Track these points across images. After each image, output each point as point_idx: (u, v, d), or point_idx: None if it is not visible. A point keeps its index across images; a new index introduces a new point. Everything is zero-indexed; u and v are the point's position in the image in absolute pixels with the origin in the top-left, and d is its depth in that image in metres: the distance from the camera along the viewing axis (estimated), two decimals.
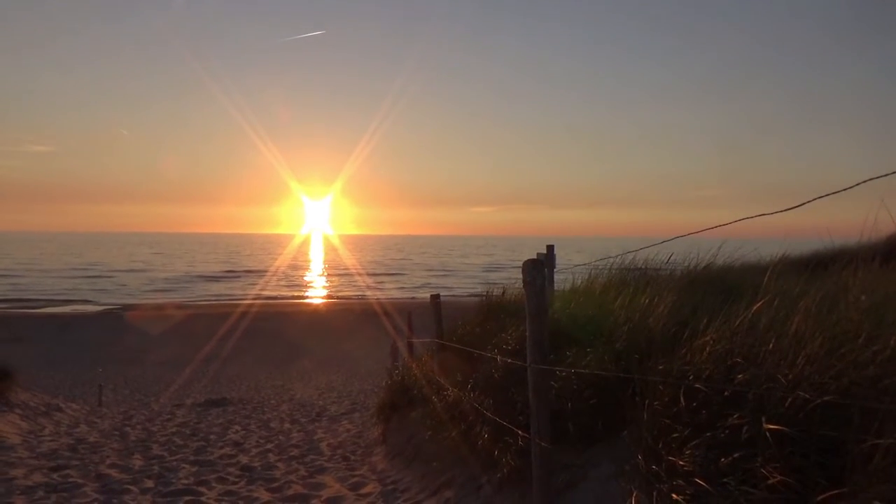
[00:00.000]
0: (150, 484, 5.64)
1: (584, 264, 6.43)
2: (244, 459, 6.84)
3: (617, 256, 5.67)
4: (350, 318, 37.68)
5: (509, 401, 4.52)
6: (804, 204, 2.03)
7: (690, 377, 2.66)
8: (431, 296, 7.35)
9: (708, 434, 2.39)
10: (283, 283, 71.77)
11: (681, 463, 2.40)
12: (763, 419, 2.22)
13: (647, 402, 2.83)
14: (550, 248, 6.62)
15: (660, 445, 2.57)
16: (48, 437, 8.06)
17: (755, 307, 2.83)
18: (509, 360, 4.75)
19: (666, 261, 6.38)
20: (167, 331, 33.27)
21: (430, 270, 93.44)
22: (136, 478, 5.85)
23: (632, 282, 5.66)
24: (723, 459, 2.27)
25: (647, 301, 4.21)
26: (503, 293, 8.19)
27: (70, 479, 5.69)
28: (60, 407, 10.91)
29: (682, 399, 2.58)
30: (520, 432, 3.86)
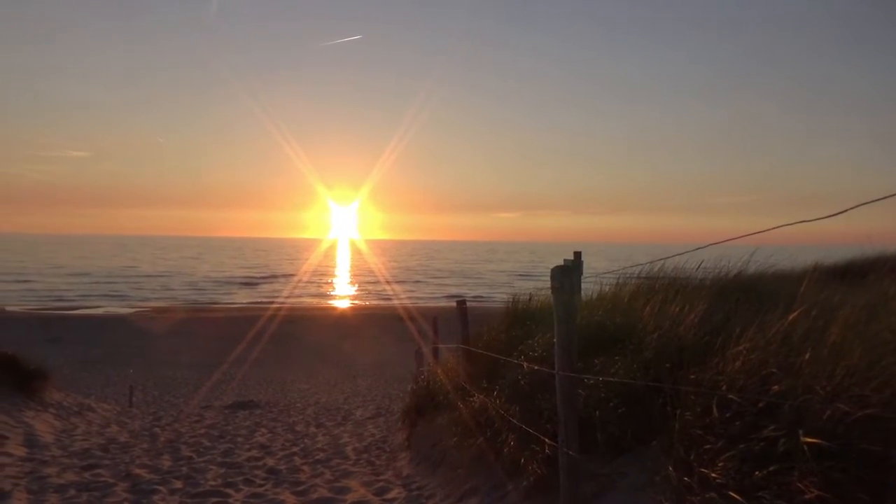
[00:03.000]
0: (178, 485, 5.70)
1: (612, 272, 6.34)
2: (270, 462, 6.89)
3: (647, 264, 5.59)
4: (375, 323, 37.82)
5: (536, 408, 4.48)
6: (845, 211, 1.97)
7: (723, 387, 2.61)
8: (457, 301, 7.33)
9: (742, 446, 2.33)
10: (309, 287, 72.35)
11: (713, 475, 2.35)
12: (800, 432, 2.16)
13: (678, 412, 2.78)
14: (577, 254, 6.56)
15: (692, 457, 2.51)
16: (80, 436, 8.20)
17: (791, 316, 2.76)
18: (536, 367, 4.71)
19: (696, 268, 6.28)
20: (196, 333, 33.76)
21: (455, 276, 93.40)
22: (165, 478, 5.92)
23: (661, 289, 5.58)
24: (757, 472, 2.21)
25: (677, 309, 4.14)
26: (529, 299, 8.13)
27: (101, 479, 5.78)
28: (92, 407, 11.11)
29: (715, 410, 2.52)
30: (547, 440, 3.82)
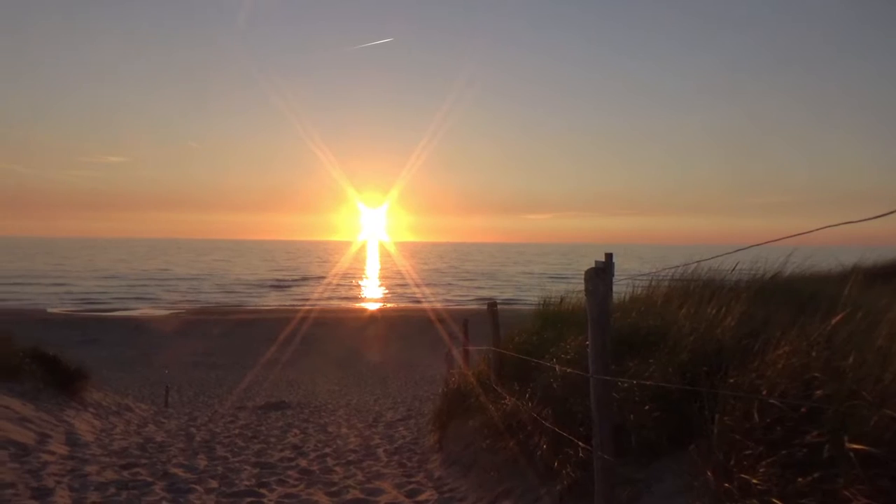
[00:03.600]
0: (214, 484, 5.79)
1: (647, 274, 6.27)
2: (303, 463, 6.95)
3: (686, 265, 5.49)
4: (405, 325, 37.94)
5: (569, 411, 4.44)
6: (894, 213, 1.91)
7: (764, 392, 2.55)
8: (488, 304, 7.30)
9: (784, 452, 2.28)
10: (339, 289, 72.92)
11: (754, 481, 2.30)
12: (845, 438, 2.10)
13: (716, 416, 2.73)
14: (609, 255, 6.48)
15: (731, 462, 2.46)
16: (119, 435, 8.38)
17: (835, 319, 2.69)
18: (568, 370, 4.67)
19: (731, 270, 6.17)
20: (229, 335, 34.27)
21: (484, 278, 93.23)
22: (201, 478, 6.02)
23: (696, 291, 5.50)
24: (801, 479, 2.16)
25: (713, 311, 4.07)
26: (560, 301, 8.08)
27: (139, 477, 5.90)
28: (130, 407, 11.35)
29: (755, 414, 2.47)
30: (580, 444, 3.78)
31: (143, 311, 49.06)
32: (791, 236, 2.43)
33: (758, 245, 2.72)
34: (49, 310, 47.37)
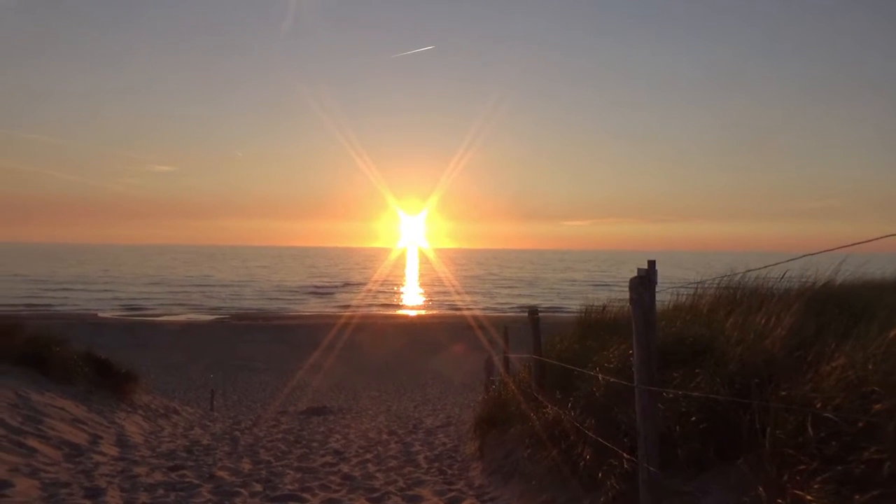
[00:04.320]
0: (258, 488, 5.88)
1: (693, 283, 6.14)
2: (345, 468, 7.01)
3: (733, 275, 5.37)
4: (444, 332, 37.97)
5: (612, 421, 4.38)
6: None
7: (818, 405, 2.47)
8: (529, 311, 7.26)
9: (840, 468, 2.21)
10: (379, 296, 73.45)
11: (808, 498, 2.23)
12: None
13: (768, 429, 2.66)
14: (651, 263, 6.39)
15: (784, 477, 2.40)
16: (167, 438, 8.59)
17: (894, 331, 2.59)
18: (612, 379, 4.61)
19: (779, 278, 6.01)
20: (271, 340, 34.85)
21: (524, 285, 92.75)
22: (246, 481, 6.12)
23: (743, 300, 5.37)
24: (858, 496, 2.09)
25: (762, 321, 3.97)
26: (603, 309, 7.98)
27: (187, 479, 6.04)
28: (177, 410, 11.63)
29: (809, 428, 2.40)
30: (625, 455, 3.73)
31: (189, 316, 50.26)
32: (849, 245, 2.36)
33: (813, 254, 2.65)
34: (100, 314, 48.98)
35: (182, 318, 48.71)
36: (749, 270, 5.27)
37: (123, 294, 67.45)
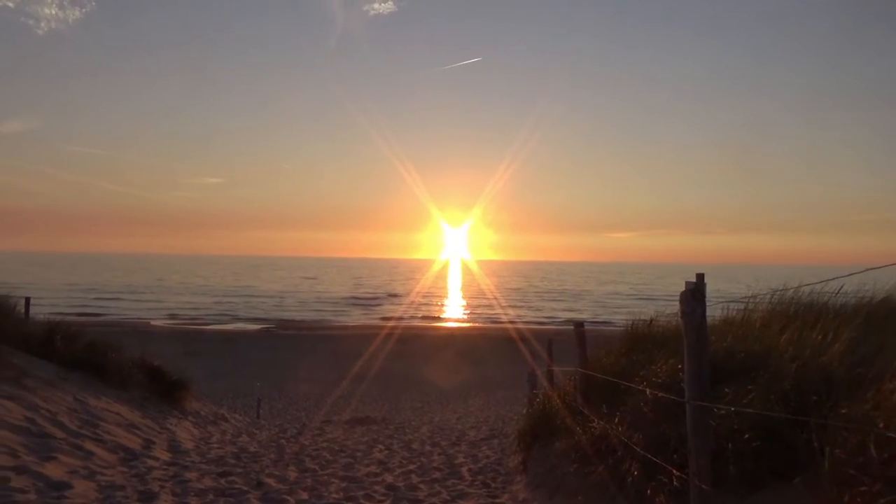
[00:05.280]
0: (304, 496, 5.96)
1: (749, 296, 5.98)
2: (389, 478, 7.04)
3: (790, 288, 5.22)
4: (487, 344, 37.84)
5: (661, 437, 4.30)
6: None
7: (881, 424, 2.39)
8: (575, 324, 7.20)
9: None
10: (422, 307, 73.72)
11: None
12: None
13: (827, 449, 2.57)
14: (700, 276, 6.26)
15: (845, 498, 2.32)
16: (216, 444, 8.78)
17: None
18: (661, 394, 4.53)
19: (835, 292, 5.82)
20: (316, 350, 35.30)
21: (567, 297, 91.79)
22: (293, 489, 6.21)
23: (798, 315, 5.21)
24: None
25: (819, 337, 3.85)
26: (650, 323, 7.84)
27: (235, 486, 6.16)
28: (225, 417, 11.88)
29: (871, 448, 2.32)
30: (675, 471, 3.65)
31: (236, 325, 51.36)
32: None
33: (875, 268, 2.57)
34: (152, 322, 50.47)
35: (230, 326, 49.81)
36: (805, 284, 5.12)
37: (174, 303, 69.40)
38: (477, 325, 55.90)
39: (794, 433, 3.09)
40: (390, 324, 49.21)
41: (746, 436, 3.49)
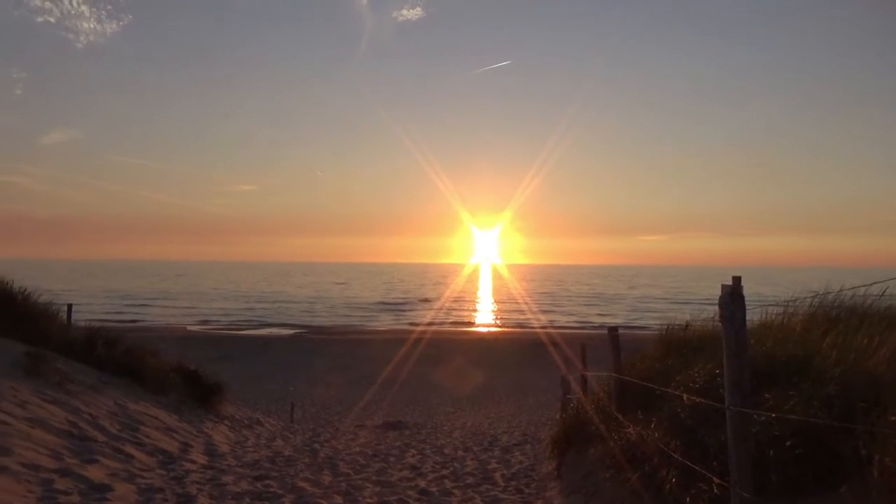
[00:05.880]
0: (339, 500, 5.99)
1: (789, 300, 5.86)
2: (422, 483, 7.04)
3: (832, 292, 5.08)
4: (518, 349, 37.67)
5: (699, 443, 4.23)
6: None
7: None
8: (609, 328, 7.12)
9: None
10: (453, 312, 73.73)
11: None
12: None
13: (875, 456, 2.49)
14: (737, 279, 6.14)
15: None
16: (251, 448, 8.89)
17: None
18: (698, 400, 4.45)
19: (880, 295, 5.66)
20: (347, 355, 35.54)
21: (599, 301, 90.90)
22: (327, 493, 6.24)
23: (841, 319, 5.08)
24: None
25: (864, 341, 3.74)
26: (685, 327, 7.72)
27: (271, 489, 6.22)
28: (260, 421, 12.03)
29: None
30: (714, 479, 3.58)
31: (270, 330, 52.00)
32: None
33: None
34: (188, 328, 51.41)
35: (263, 332, 50.44)
36: (850, 288, 4.98)
37: (208, 309, 70.59)
38: (508, 329, 55.69)
39: (839, 440, 3.01)
40: (421, 328, 49.31)
41: (789, 443, 3.41)
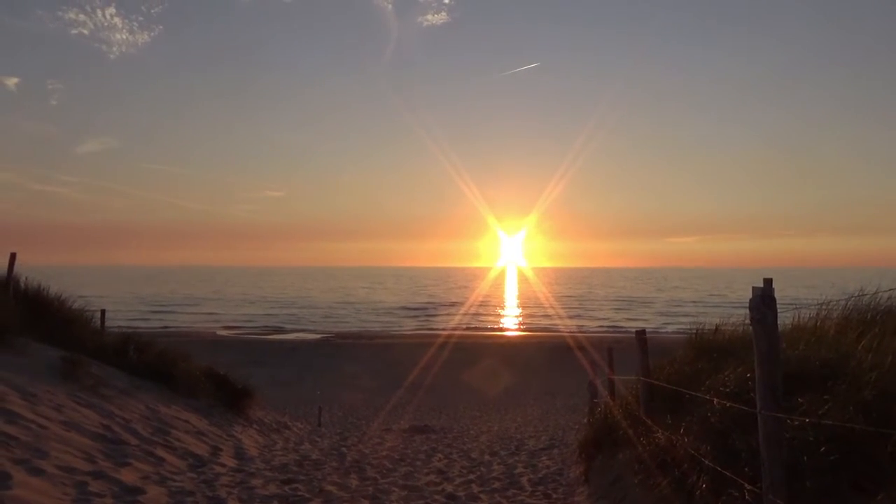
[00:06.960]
0: None
1: (822, 302, 5.74)
2: (449, 488, 7.03)
3: (866, 294, 4.98)
4: (544, 352, 37.47)
5: (730, 449, 4.15)
6: None
7: None
8: (637, 332, 7.04)
9: None
10: (478, 315, 73.64)
11: None
12: None
13: None
14: (768, 281, 6.02)
15: None
16: (279, 451, 8.97)
17: None
18: (729, 404, 4.37)
19: None
20: (374, 359, 35.71)
21: (626, 304, 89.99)
22: (354, 497, 6.27)
23: (877, 321, 4.96)
24: None
25: None
26: (715, 330, 7.61)
27: (299, 493, 6.26)
28: (288, 425, 12.13)
29: None
30: (746, 485, 3.51)
31: (297, 334, 52.47)
32: None
33: None
34: (218, 332, 52.12)
35: (290, 336, 50.92)
36: (889, 290, 4.86)
37: (236, 313, 71.51)
38: (534, 333, 55.42)
39: (876, 446, 2.94)
40: (447, 332, 49.33)
41: (823, 448, 3.33)
